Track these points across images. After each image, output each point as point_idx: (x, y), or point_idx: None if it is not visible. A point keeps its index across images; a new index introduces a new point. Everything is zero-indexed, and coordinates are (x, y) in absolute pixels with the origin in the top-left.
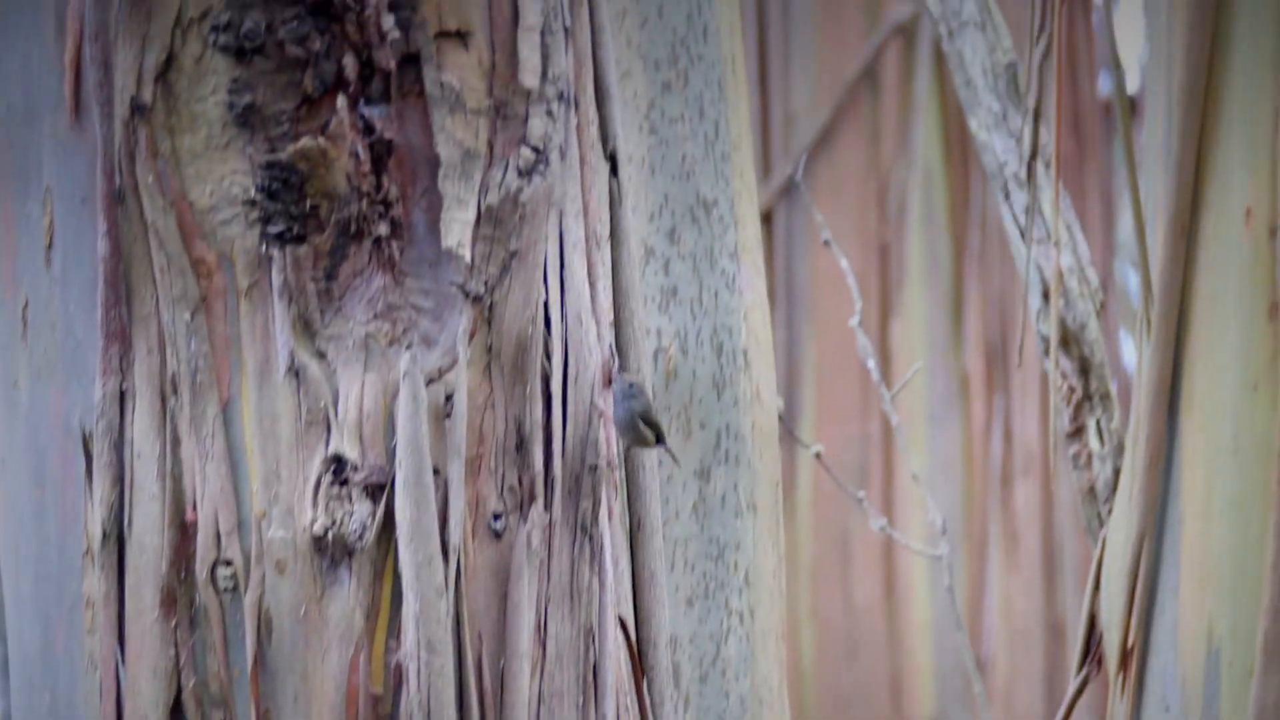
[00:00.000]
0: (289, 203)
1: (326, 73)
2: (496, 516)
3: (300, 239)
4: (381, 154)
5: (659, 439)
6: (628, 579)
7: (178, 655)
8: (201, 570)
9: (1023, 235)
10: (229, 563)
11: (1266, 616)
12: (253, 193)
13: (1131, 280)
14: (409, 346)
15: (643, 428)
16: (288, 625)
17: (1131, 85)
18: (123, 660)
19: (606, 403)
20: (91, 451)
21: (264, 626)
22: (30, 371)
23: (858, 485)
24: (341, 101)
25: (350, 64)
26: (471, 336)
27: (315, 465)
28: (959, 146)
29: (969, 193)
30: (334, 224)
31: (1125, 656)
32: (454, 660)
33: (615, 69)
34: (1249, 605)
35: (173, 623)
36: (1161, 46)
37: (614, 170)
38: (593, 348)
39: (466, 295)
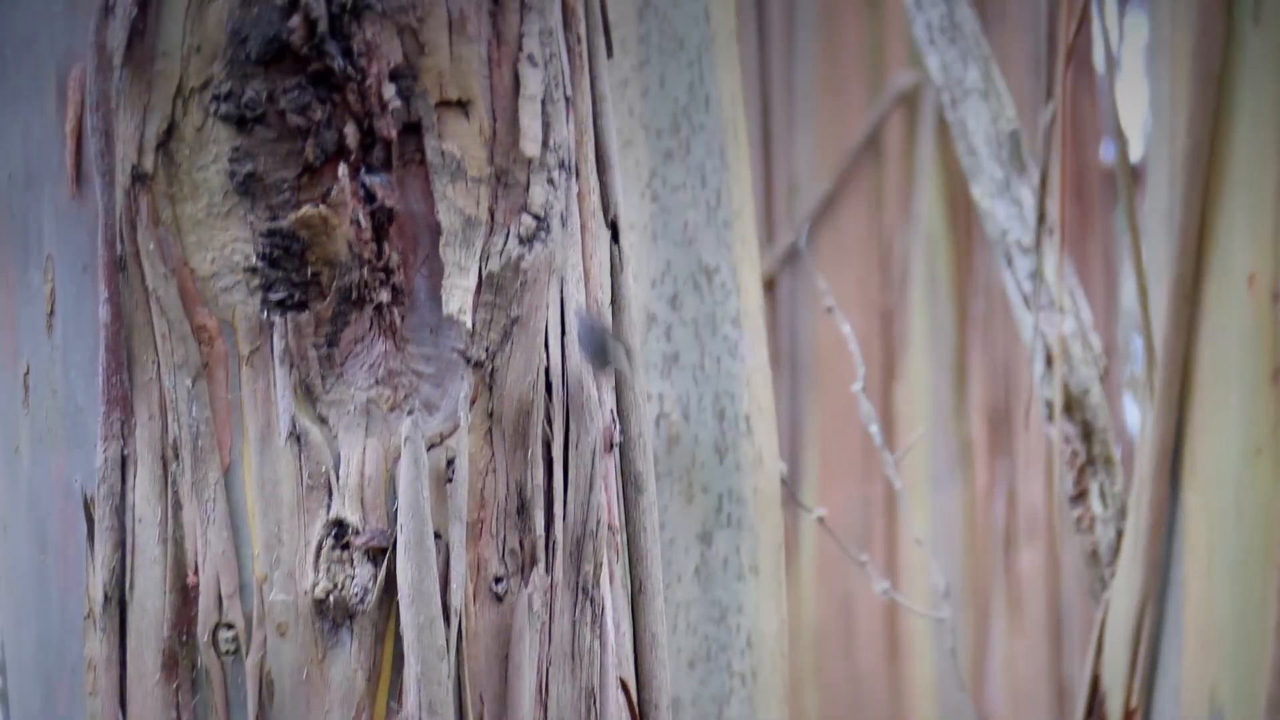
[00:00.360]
0: (290, 270)
1: (328, 141)
2: (498, 580)
3: (302, 306)
4: (383, 221)
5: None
6: (629, 641)
7: (179, 718)
8: (203, 633)
9: (1026, 301)
10: (230, 626)
11: (1269, 679)
12: (254, 260)
13: (1134, 345)
14: (410, 412)
15: (610, 354)
16: (289, 687)
17: (1135, 152)
18: None
19: (608, 464)
20: (93, 516)
21: (266, 689)
22: (31, 437)
23: (861, 549)
24: (343, 170)
25: (351, 132)
26: (473, 402)
27: (317, 529)
28: (962, 214)
29: (971, 259)
30: (335, 291)
31: (1128, 719)
32: None
33: (617, 137)
34: (1251, 668)
35: (174, 685)
36: (1164, 114)
37: (615, 237)
38: (594, 413)
39: (468, 361)
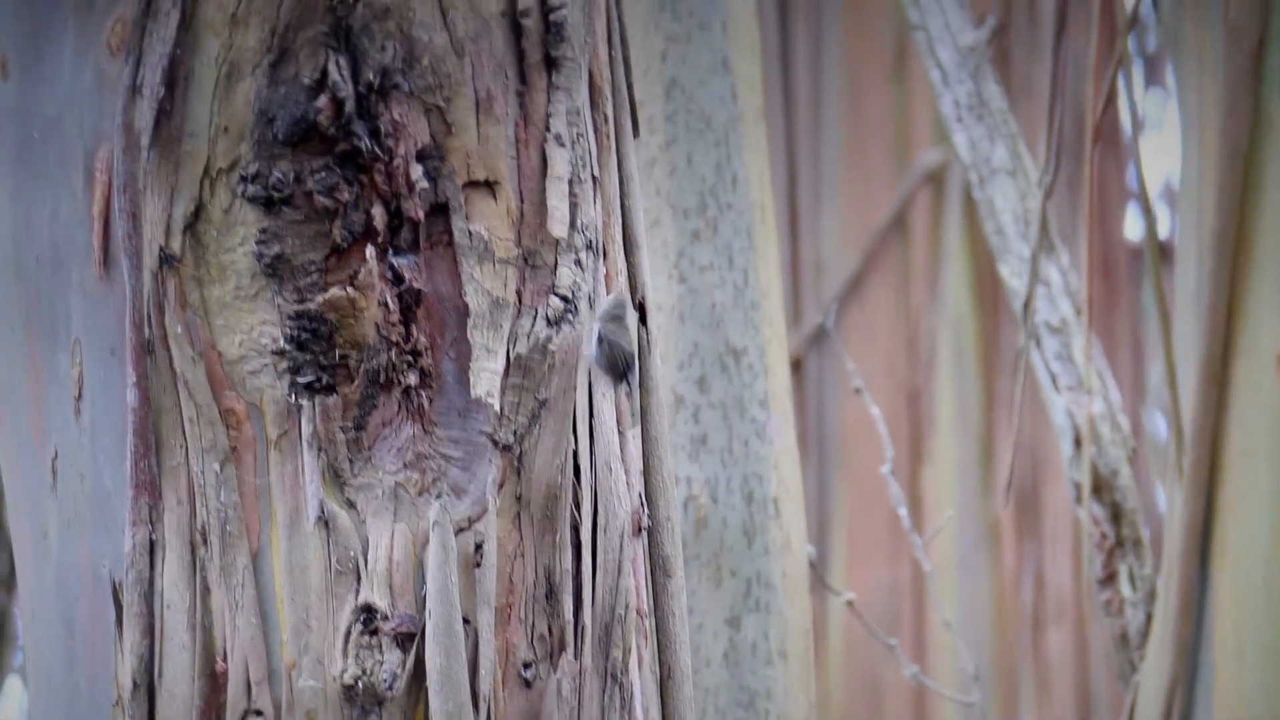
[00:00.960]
0: (318, 353)
1: (355, 223)
2: (526, 665)
3: (329, 389)
4: (410, 304)
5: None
6: None
7: None
8: None
9: (1054, 382)
10: (259, 712)
11: None
12: (282, 343)
13: (1163, 426)
14: (438, 496)
15: (620, 361)
16: None
17: (1162, 230)
18: None
19: (635, 548)
20: (121, 602)
21: None
22: (59, 522)
23: (889, 632)
24: (370, 251)
25: (379, 214)
26: (501, 486)
27: (345, 615)
28: (989, 293)
29: (999, 339)
30: (363, 374)
31: None
32: None
33: (644, 217)
34: None
35: None
36: (1192, 191)
37: (643, 319)
38: (622, 496)
39: (496, 444)
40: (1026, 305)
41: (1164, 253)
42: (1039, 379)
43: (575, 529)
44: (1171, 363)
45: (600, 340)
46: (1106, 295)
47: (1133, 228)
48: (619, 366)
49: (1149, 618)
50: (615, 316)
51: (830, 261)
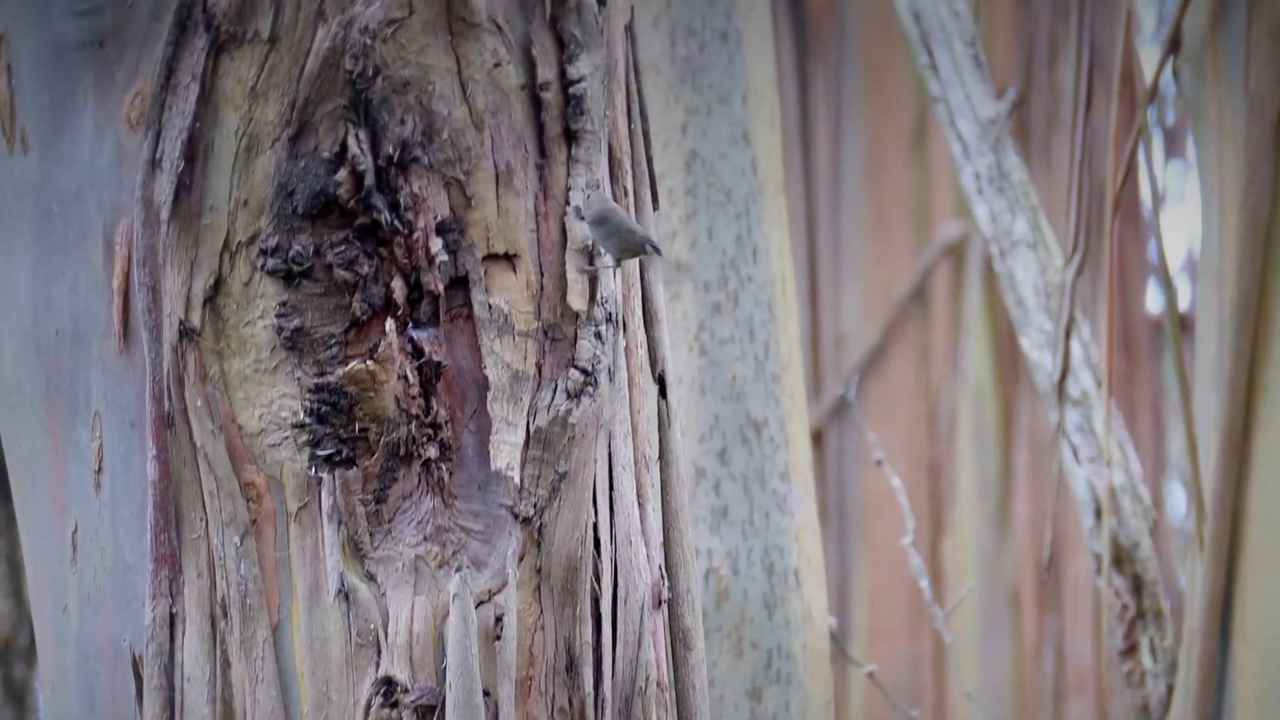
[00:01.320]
0: (338, 426)
1: (375, 296)
2: None
3: (350, 462)
4: (430, 376)
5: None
6: None
7: None
8: None
9: (1075, 454)
10: None
11: None
12: (302, 416)
13: (1183, 497)
14: (459, 569)
15: (633, 242)
16: None
17: (1183, 302)
18: None
19: (656, 620)
20: (141, 675)
21: None
22: (80, 596)
23: (911, 704)
24: (390, 324)
25: (399, 287)
26: (521, 558)
27: (366, 687)
28: (1009, 365)
29: (1019, 411)
30: (383, 447)
31: None
32: None
33: (665, 290)
34: None
35: None
36: (1212, 262)
37: (663, 392)
38: (642, 569)
39: (516, 517)
40: (1062, 380)
41: (1185, 325)
42: (1059, 450)
43: (595, 601)
44: (1192, 434)
45: (607, 232)
46: (1127, 367)
47: (1153, 300)
48: (634, 239)
49: (1170, 689)
50: (601, 219)
51: (851, 334)
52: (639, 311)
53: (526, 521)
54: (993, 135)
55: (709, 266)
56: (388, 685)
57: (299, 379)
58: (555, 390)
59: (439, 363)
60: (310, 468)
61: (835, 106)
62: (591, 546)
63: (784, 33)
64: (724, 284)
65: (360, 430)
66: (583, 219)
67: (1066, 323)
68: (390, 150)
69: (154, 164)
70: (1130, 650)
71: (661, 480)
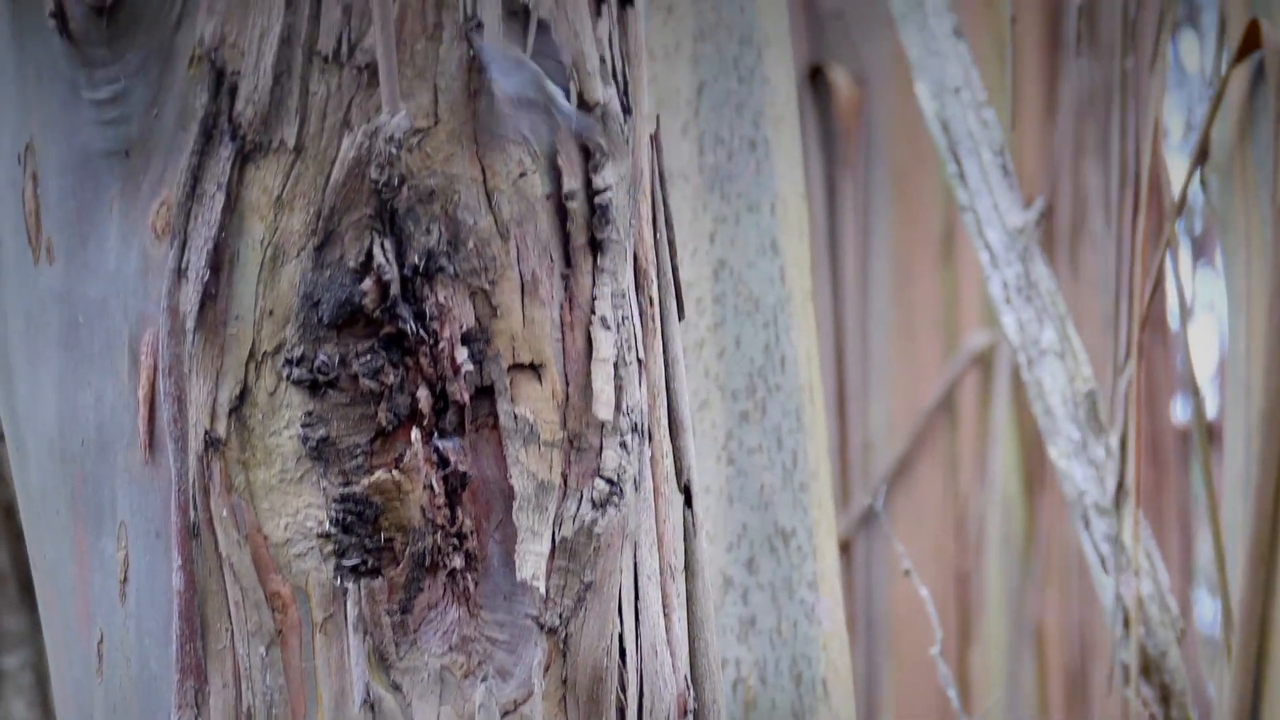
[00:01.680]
0: (364, 536)
1: (400, 406)
2: None
3: (375, 572)
4: (455, 486)
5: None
6: None
7: None
8: None
9: (1103, 564)
10: None
11: None
12: (327, 526)
13: (1211, 606)
14: (484, 679)
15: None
16: None
17: (1210, 410)
18: None
19: None
20: None
21: None
22: (105, 707)
23: None
24: (415, 434)
25: (424, 397)
26: (546, 669)
27: None
28: (1037, 475)
29: (1047, 521)
30: (409, 557)
31: None
32: None
33: (692, 399)
34: None
35: None
36: (1239, 371)
37: (689, 502)
38: (668, 679)
39: (541, 627)
40: (1119, 489)
41: (1212, 434)
42: (1087, 560)
43: (621, 712)
44: (1220, 543)
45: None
46: (1154, 476)
47: (1180, 409)
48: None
49: None
50: (529, 100)
51: (878, 443)
52: (665, 420)
53: (552, 632)
54: (1021, 244)
55: (737, 375)
56: None
57: (324, 489)
58: (581, 500)
59: (464, 472)
60: (336, 578)
61: (863, 215)
62: (617, 657)
63: (812, 141)
64: (752, 393)
65: (386, 540)
66: None
67: (1121, 433)
68: (416, 260)
69: (179, 273)
70: None
71: (687, 590)
